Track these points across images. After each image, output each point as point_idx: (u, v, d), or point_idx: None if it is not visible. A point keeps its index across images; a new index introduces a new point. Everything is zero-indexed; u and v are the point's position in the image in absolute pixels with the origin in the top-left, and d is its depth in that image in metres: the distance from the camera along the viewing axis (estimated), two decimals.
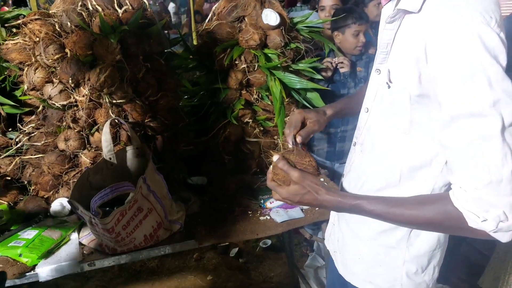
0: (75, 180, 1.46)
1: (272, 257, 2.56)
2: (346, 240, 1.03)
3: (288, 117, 1.66)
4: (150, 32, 1.52)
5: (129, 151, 1.46)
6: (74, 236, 1.35)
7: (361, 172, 0.96)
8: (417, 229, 0.89)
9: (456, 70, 0.65)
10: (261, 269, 2.47)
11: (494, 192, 0.65)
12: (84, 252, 1.30)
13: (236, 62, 1.61)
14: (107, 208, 1.28)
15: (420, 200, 0.78)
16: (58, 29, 1.41)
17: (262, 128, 1.70)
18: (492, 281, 2.01)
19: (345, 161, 2.22)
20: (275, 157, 0.88)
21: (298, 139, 1.00)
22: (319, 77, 1.74)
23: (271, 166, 0.92)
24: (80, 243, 1.32)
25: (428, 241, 0.91)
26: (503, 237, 0.68)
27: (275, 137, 1.73)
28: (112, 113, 1.44)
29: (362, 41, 1.99)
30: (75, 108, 1.45)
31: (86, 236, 1.34)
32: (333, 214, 1.14)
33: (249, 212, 1.54)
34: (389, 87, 0.82)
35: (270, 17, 1.62)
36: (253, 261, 2.53)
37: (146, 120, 1.53)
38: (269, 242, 2.65)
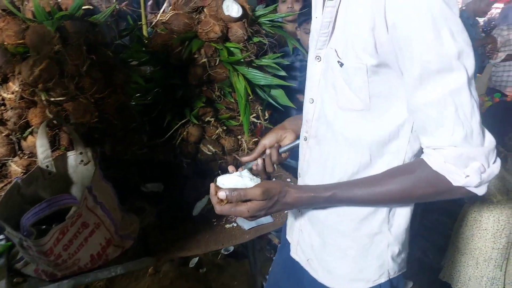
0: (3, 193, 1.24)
1: (234, 265, 2.44)
2: (326, 241, 0.93)
3: (252, 115, 1.55)
4: (95, 20, 1.34)
5: (71, 156, 1.26)
6: (1, 261, 1.13)
7: (324, 165, 0.89)
8: (398, 204, 0.85)
9: (422, 28, 0.64)
10: (223, 278, 2.33)
11: (470, 145, 0.67)
12: (15, 280, 1.09)
13: (195, 56, 1.47)
14: (43, 226, 1.07)
15: (396, 172, 0.76)
16: None
17: (225, 128, 1.57)
18: (454, 274, 2.07)
19: None
20: (221, 194, 0.78)
21: (243, 159, 0.98)
22: (283, 73, 1.64)
23: (212, 190, 0.82)
24: (10, 270, 1.11)
25: (404, 216, 0.87)
26: (482, 190, 0.70)
27: (239, 137, 1.61)
28: (50, 113, 1.24)
29: None
30: (3, 107, 1.23)
31: (17, 261, 1.13)
32: (298, 220, 1.03)
33: (212, 220, 1.41)
34: (341, 65, 0.76)
35: (232, 8, 1.50)
36: (214, 271, 2.38)
37: (91, 121, 1.33)
38: (231, 248, 2.53)
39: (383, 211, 0.85)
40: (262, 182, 0.82)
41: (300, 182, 1.00)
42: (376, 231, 0.87)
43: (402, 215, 0.87)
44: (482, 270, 1.92)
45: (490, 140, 0.68)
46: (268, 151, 1.00)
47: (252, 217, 0.80)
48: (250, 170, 0.94)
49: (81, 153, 1.26)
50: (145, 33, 2.37)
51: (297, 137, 1.02)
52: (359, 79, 0.75)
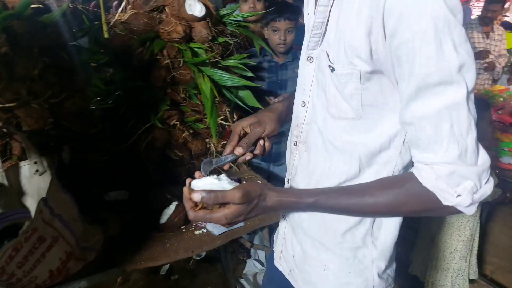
0: None
1: (207, 269, 2.38)
2: (307, 252, 0.89)
3: (220, 117, 1.51)
4: (47, 20, 1.25)
5: (25, 167, 1.17)
6: None
7: (312, 172, 0.85)
8: (384, 217, 0.81)
9: (424, 38, 0.58)
10: (196, 284, 2.27)
11: (464, 163, 0.62)
12: None
13: (158, 57, 1.41)
14: None
15: (385, 184, 0.71)
16: None
17: (191, 131, 1.52)
18: (422, 267, 2.11)
19: (281, 163, 2.15)
20: (196, 196, 0.70)
21: (238, 150, 0.86)
22: (250, 74, 1.61)
23: (185, 193, 0.74)
24: None
25: (391, 231, 0.83)
26: (471, 210, 0.65)
27: (207, 140, 1.57)
28: None
29: (281, 39, 1.91)
30: None
31: None
32: (283, 227, 0.99)
33: (181, 227, 1.35)
34: (332, 70, 0.72)
35: (195, 7, 1.45)
36: (187, 277, 2.31)
37: (46, 128, 1.25)
38: (203, 253, 2.47)
39: (366, 222, 0.81)
40: (241, 184, 0.74)
41: (291, 186, 0.94)
42: (359, 244, 0.83)
43: (389, 229, 0.83)
44: (448, 263, 1.97)
45: (484, 158, 0.64)
46: (261, 142, 0.91)
47: (230, 224, 0.73)
48: (235, 161, 0.88)
49: (35, 163, 1.17)
50: (106, 34, 2.27)
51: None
52: (351, 86, 0.70)
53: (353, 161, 0.77)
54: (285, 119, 0.96)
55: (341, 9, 0.69)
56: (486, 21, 3.59)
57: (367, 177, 0.77)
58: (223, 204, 0.71)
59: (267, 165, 2.13)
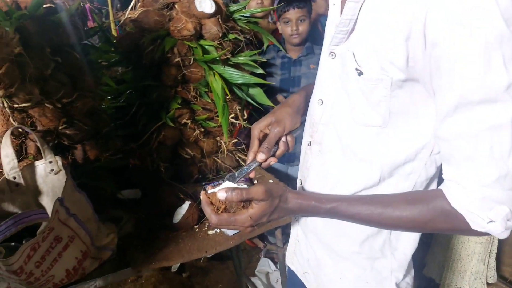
0: None
1: (218, 267, 2.39)
2: (321, 259, 0.87)
3: (231, 115, 1.50)
4: (58, 19, 1.25)
5: (40, 166, 1.17)
6: None
7: (326, 176, 0.81)
8: (406, 231, 0.78)
9: (471, 51, 0.52)
10: (207, 281, 2.28)
11: (501, 187, 0.57)
12: None
13: (169, 55, 1.40)
14: (13, 243, 1.00)
15: (411, 199, 0.67)
16: None
17: (203, 129, 1.52)
18: (438, 269, 2.04)
19: (297, 164, 2.15)
20: (221, 194, 0.67)
21: (260, 157, 0.81)
22: (261, 71, 1.60)
23: (204, 198, 0.71)
24: None
25: (409, 241, 0.80)
26: (504, 235, 0.60)
27: (218, 138, 1.56)
28: (14, 120, 1.16)
29: (293, 29, 1.88)
30: None
31: None
32: (295, 229, 0.96)
33: (195, 227, 1.35)
34: (360, 73, 0.66)
35: (205, 3, 1.44)
36: (198, 274, 2.32)
37: (60, 127, 1.25)
38: None
39: (383, 232, 0.78)
40: (261, 182, 0.73)
41: (303, 188, 0.91)
42: (377, 255, 0.80)
43: (408, 240, 0.80)
44: (465, 265, 1.90)
45: None
46: (284, 139, 0.86)
47: (254, 224, 0.69)
48: (260, 165, 0.83)
49: (50, 162, 1.18)
50: (114, 32, 2.28)
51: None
52: (379, 92, 0.65)
53: (374, 171, 0.72)
54: (304, 111, 0.91)
55: (375, 8, 0.63)
56: None
57: (386, 187, 0.73)
58: (246, 206, 0.69)
59: (284, 166, 2.10)
